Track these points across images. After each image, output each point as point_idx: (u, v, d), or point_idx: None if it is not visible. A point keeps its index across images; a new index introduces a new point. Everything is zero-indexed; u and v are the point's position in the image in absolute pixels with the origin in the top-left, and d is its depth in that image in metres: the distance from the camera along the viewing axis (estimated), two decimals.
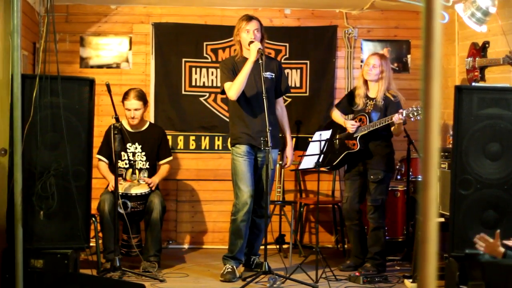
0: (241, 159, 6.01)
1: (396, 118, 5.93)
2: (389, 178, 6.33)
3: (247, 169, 6.01)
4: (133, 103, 6.38)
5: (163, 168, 6.60)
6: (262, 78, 5.77)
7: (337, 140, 6.32)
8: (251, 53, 5.84)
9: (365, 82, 6.29)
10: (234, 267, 6.00)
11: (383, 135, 6.26)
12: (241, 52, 6.07)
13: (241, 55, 6.06)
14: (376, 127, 6.12)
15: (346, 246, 6.98)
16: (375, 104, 6.23)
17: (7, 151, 5.03)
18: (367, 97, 6.29)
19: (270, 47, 7.24)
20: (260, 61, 5.79)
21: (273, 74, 6.09)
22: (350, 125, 6.26)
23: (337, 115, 6.45)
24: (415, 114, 5.87)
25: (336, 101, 7.02)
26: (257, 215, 6.20)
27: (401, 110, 5.96)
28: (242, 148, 6.02)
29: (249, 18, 6.01)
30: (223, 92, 6.10)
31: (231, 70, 6.00)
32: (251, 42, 5.90)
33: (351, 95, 6.43)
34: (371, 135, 6.19)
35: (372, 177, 6.20)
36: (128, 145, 6.40)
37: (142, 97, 6.44)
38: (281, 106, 6.32)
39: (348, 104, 6.43)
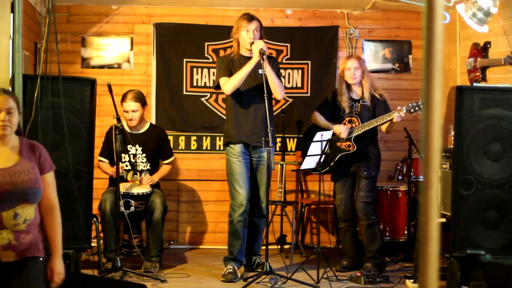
0: (236, 160, 6.02)
1: (397, 116, 5.93)
2: (378, 175, 6.35)
3: (242, 170, 6.02)
4: (130, 104, 6.38)
5: (164, 168, 6.61)
6: (264, 79, 5.77)
7: (327, 144, 6.28)
8: (254, 53, 5.85)
9: (347, 85, 6.28)
10: (235, 267, 6.00)
11: (373, 134, 6.28)
12: (238, 50, 6.08)
13: (237, 52, 6.07)
14: (372, 126, 6.12)
15: None
16: (363, 104, 6.24)
17: None
18: (351, 99, 6.28)
19: (271, 47, 7.24)
20: (262, 62, 5.80)
21: None
22: (342, 131, 6.22)
23: (321, 120, 6.35)
24: (416, 109, 5.88)
25: None
26: (255, 216, 6.20)
27: (399, 107, 5.97)
28: (237, 148, 6.02)
29: (250, 17, 6.01)
30: (217, 87, 6.11)
31: (227, 66, 6.01)
32: (253, 42, 5.90)
33: (333, 100, 6.38)
34: (361, 136, 6.20)
35: (365, 173, 6.19)
36: (129, 146, 6.40)
37: (139, 98, 6.44)
38: None
39: (331, 108, 6.38)
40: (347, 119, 6.28)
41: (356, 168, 6.27)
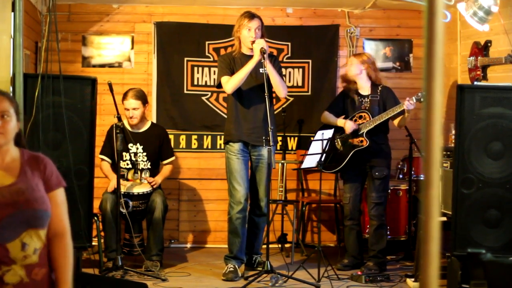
0: (235, 157, 6.03)
1: (408, 104, 5.93)
2: (389, 175, 6.36)
3: (241, 168, 6.02)
4: (131, 102, 6.38)
5: (166, 168, 6.61)
6: (265, 78, 5.77)
7: (339, 140, 6.28)
8: (255, 52, 5.85)
9: (353, 82, 6.32)
10: (236, 266, 6.01)
11: (384, 131, 6.29)
12: (239, 48, 6.07)
13: (239, 51, 6.07)
14: (384, 119, 6.13)
15: None
16: (372, 99, 6.25)
17: None
18: (359, 94, 6.30)
19: (272, 46, 7.23)
20: (263, 60, 5.80)
21: None
22: (349, 125, 6.23)
23: (330, 117, 6.37)
24: None
25: None
26: (255, 214, 6.21)
27: (408, 98, 5.98)
28: (236, 146, 6.03)
29: (251, 16, 6.01)
30: (219, 86, 6.11)
31: (228, 65, 6.01)
32: (254, 41, 5.90)
33: (342, 98, 6.41)
34: (373, 133, 6.20)
35: (377, 173, 6.20)
36: (130, 145, 6.40)
37: (140, 96, 6.44)
38: None
39: (341, 106, 6.40)
40: (358, 115, 6.28)
41: (367, 167, 6.27)
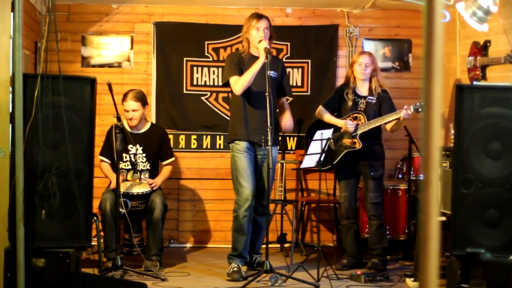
0: (241, 155, 6.03)
1: (405, 113, 5.93)
2: (384, 174, 6.36)
3: (247, 165, 6.02)
4: (131, 104, 6.38)
5: (166, 169, 6.60)
6: (267, 78, 5.76)
7: (332, 140, 6.26)
8: (261, 53, 5.85)
9: (353, 80, 6.30)
10: (240, 265, 6.00)
11: (377, 133, 6.29)
12: (248, 49, 6.07)
13: (248, 52, 6.07)
14: (379, 124, 6.13)
15: None
16: (369, 101, 6.25)
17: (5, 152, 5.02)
18: (356, 95, 6.29)
19: (272, 46, 7.23)
20: (266, 60, 5.79)
21: (276, 73, 6.09)
22: (349, 125, 6.22)
23: (327, 115, 6.35)
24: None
25: None
26: (258, 213, 6.21)
27: (406, 107, 5.98)
28: (242, 144, 6.03)
29: (259, 16, 6.03)
30: (225, 84, 6.10)
31: (237, 64, 6.01)
32: (260, 40, 5.91)
33: (338, 94, 6.40)
34: (366, 134, 6.20)
35: (373, 173, 6.21)
36: (129, 146, 6.41)
37: (140, 98, 6.44)
38: (283, 102, 6.32)
39: (337, 103, 6.40)
40: (353, 115, 6.28)
41: (362, 167, 6.27)
